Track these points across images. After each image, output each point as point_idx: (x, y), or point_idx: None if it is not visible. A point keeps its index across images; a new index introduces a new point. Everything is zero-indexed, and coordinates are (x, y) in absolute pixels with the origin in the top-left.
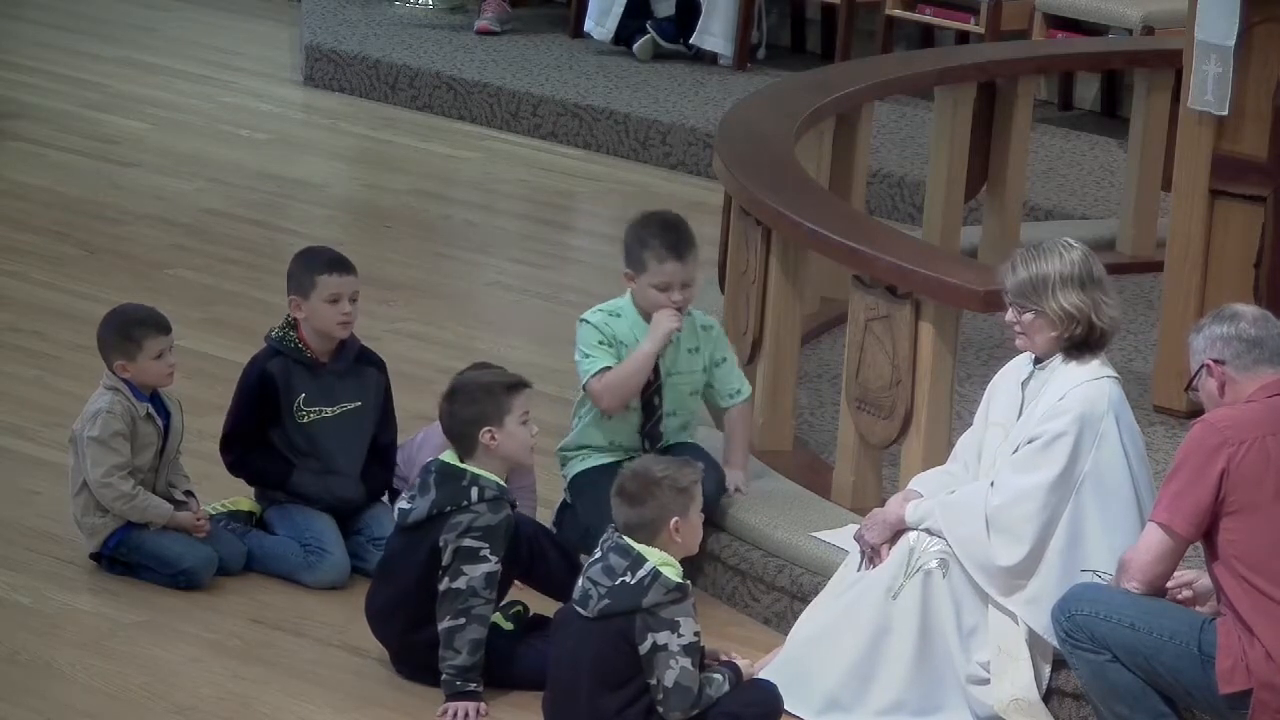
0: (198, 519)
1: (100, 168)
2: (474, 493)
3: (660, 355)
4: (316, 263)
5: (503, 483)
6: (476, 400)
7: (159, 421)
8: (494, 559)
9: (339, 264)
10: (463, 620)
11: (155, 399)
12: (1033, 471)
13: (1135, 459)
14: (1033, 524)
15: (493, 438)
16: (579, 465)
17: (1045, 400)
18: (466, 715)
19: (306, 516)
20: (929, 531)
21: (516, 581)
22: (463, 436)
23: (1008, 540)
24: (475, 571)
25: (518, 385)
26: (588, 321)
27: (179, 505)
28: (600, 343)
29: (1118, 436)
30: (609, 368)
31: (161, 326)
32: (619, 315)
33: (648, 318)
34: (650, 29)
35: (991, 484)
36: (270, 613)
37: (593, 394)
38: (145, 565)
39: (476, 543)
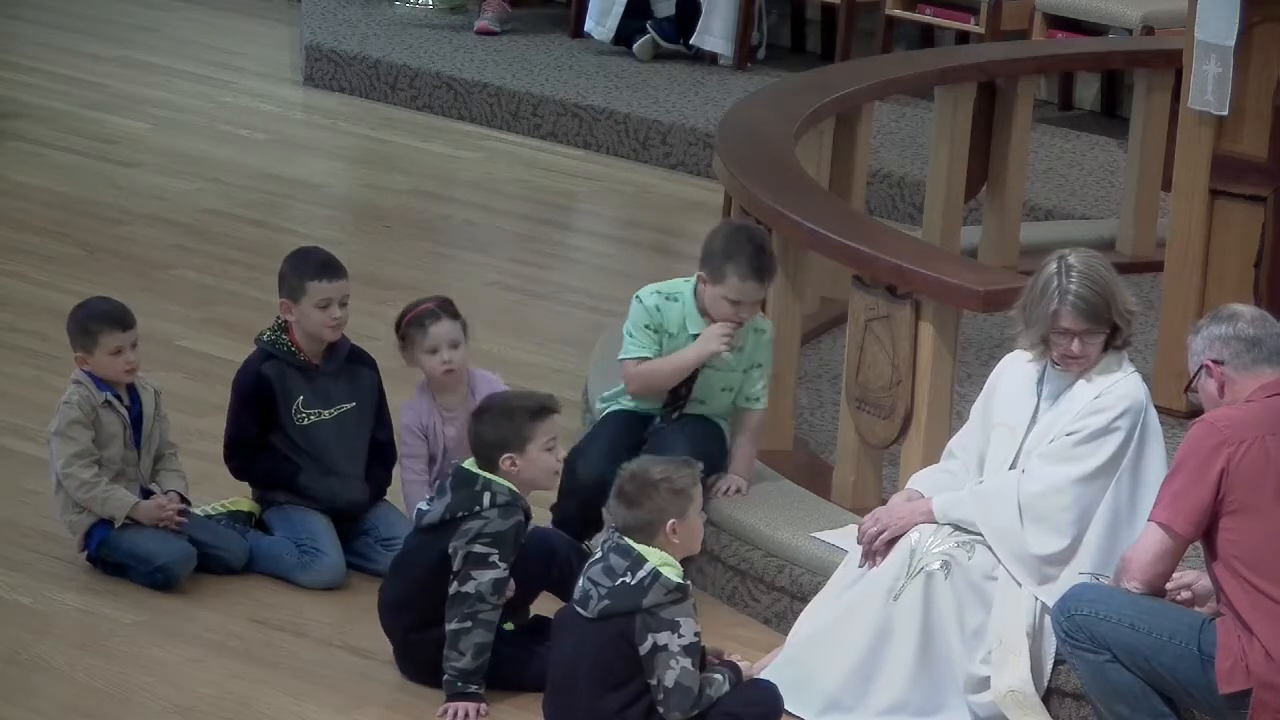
0: (159, 508)
1: (100, 168)
2: (486, 498)
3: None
4: (307, 267)
5: (516, 489)
6: (499, 424)
7: (120, 410)
8: (503, 565)
9: (330, 269)
10: (469, 624)
11: (130, 387)
12: (1072, 463)
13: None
14: (1070, 514)
15: (513, 464)
16: (614, 405)
17: (1078, 398)
18: (466, 715)
19: (303, 516)
20: (957, 526)
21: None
22: (484, 458)
23: (1045, 529)
24: (484, 577)
25: (544, 411)
26: (641, 301)
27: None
28: (647, 326)
29: (1159, 428)
30: (648, 357)
31: (121, 323)
32: (675, 300)
33: (704, 312)
34: (650, 29)
35: (1023, 473)
36: (270, 613)
37: (625, 375)
38: (126, 564)
39: (486, 549)
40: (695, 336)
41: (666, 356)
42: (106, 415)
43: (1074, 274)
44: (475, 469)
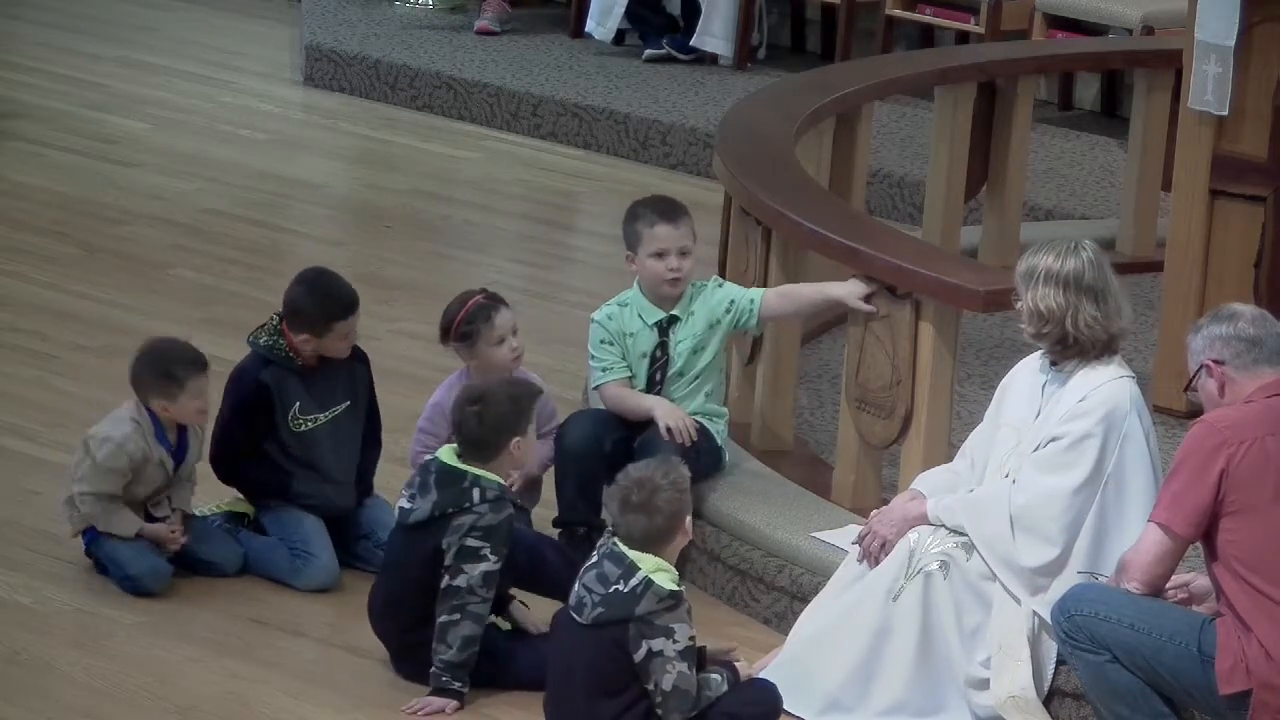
0: (171, 531)
1: (100, 168)
2: (475, 494)
3: (668, 335)
4: (333, 308)
5: (504, 482)
6: (504, 410)
7: (168, 462)
8: (494, 558)
9: (352, 305)
10: (458, 616)
11: (180, 429)
12: (1059, 472)
13: (1156, 458)
14: (1059, 524)
15: (519, 447)
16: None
17: (1064, 402)
18: (441, 711)
19: (296, 519)
20: (950, 529)
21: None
22: (488, 444)
23: (1034, 540)
24: (474, 570)
25: (538, 393)
26: (594, 320)
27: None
28: (603, 341)
29: (1142, 435)
30: (613, 380)
31: (202, 364)
32: (625, 305)
33: (655, 301)
34: (667, 46)
35: (1013, 482)
36: (270, 613)
37: (598, 392)
38: (105, 566)
39: (478, 542)
40: (653, 326)
41: (636, 395)
42: (154, 469)
43: (1042, 243)
44: (459, 464)
